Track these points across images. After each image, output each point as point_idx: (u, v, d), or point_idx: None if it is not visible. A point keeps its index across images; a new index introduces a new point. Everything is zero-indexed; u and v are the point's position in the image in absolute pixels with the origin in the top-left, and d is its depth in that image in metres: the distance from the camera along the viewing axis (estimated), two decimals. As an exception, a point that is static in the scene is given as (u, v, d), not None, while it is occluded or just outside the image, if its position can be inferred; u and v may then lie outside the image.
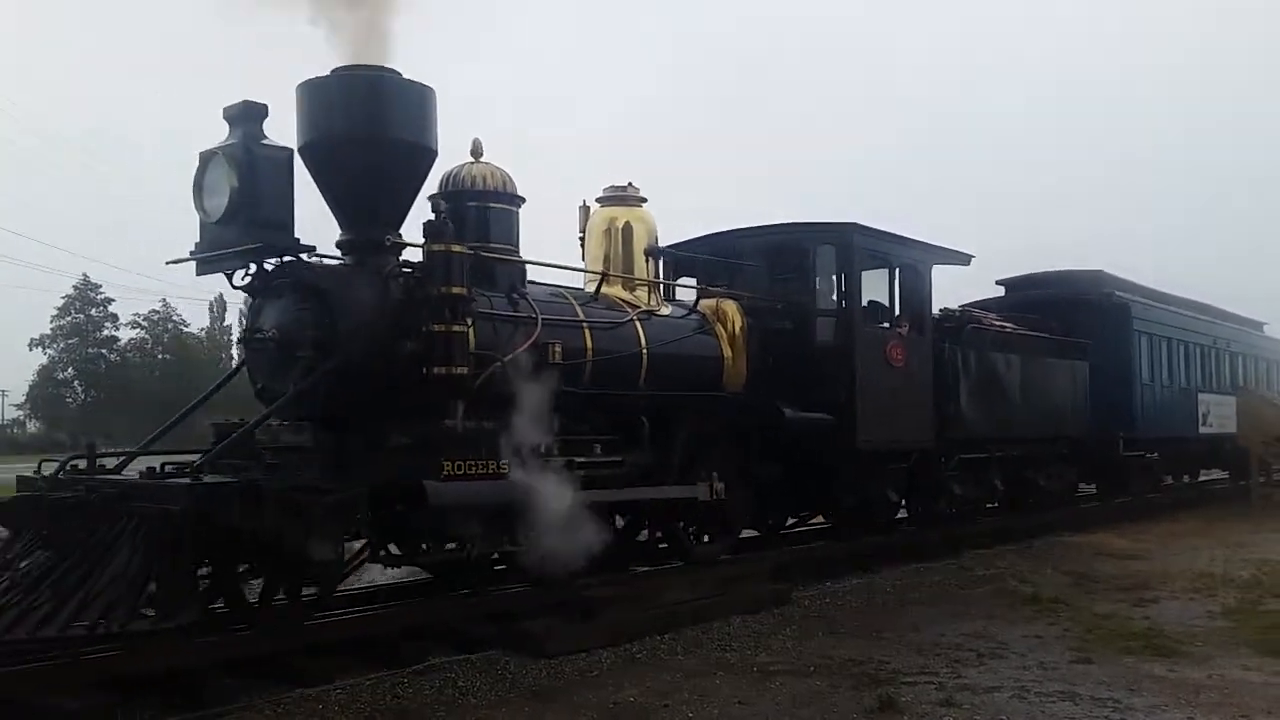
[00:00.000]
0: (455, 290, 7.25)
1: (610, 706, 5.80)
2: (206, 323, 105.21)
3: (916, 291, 12.12)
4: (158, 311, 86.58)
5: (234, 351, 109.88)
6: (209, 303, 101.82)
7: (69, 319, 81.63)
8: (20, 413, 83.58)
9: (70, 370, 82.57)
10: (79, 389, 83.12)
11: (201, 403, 8.46)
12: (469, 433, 7.23)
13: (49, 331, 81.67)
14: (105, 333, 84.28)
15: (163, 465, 6.76)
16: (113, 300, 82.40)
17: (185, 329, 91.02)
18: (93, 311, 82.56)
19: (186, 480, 6.18)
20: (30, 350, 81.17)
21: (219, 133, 7.10)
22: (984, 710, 5.66)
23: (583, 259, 9.94)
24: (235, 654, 6.48)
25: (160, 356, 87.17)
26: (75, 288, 79.24)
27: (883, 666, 6.66)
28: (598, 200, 10.12)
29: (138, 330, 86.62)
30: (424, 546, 7.31)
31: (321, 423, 7.10)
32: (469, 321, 7.38)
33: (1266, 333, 25.05)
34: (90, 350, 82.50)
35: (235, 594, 7.09)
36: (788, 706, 5.79)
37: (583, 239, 10.02)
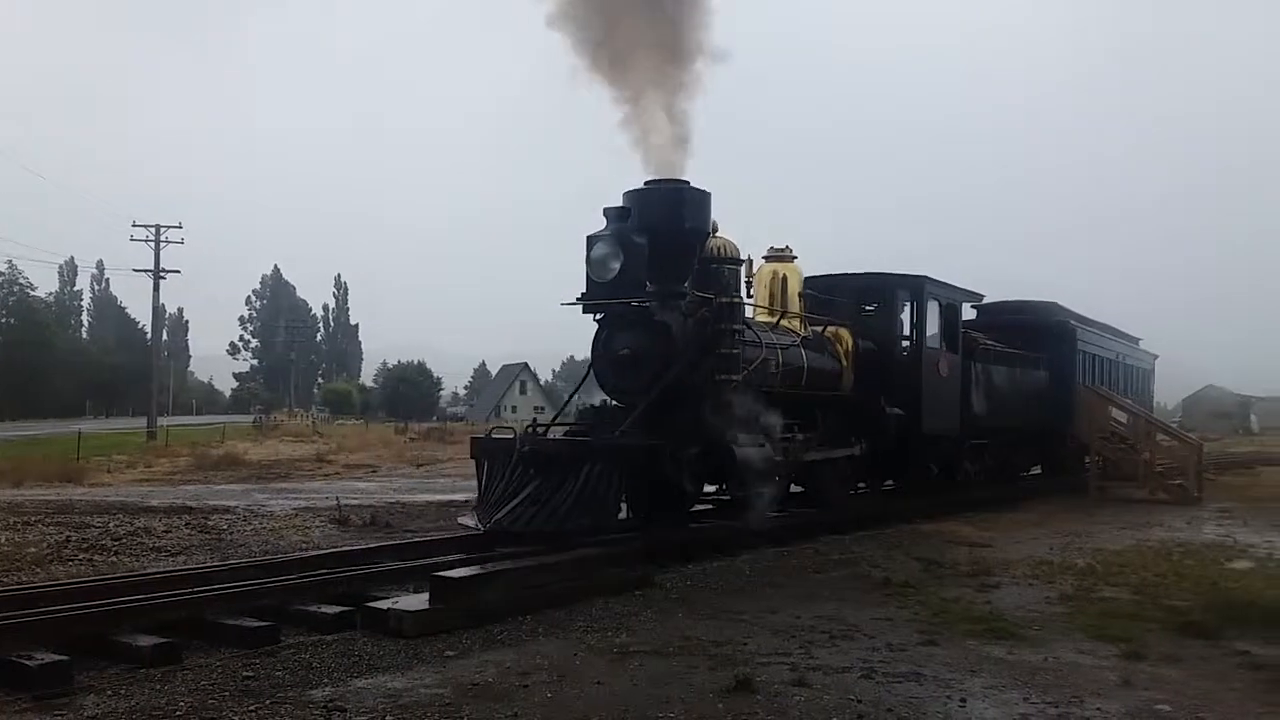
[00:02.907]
0: (735, 327, 11.50)
1: (469, 687, 5.76)
2: (56, 287, 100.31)
3: (953, 321, 16.75)
4: (2, 273, 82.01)
5: (84, 318, 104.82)
6: (59, 266, 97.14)
7: (-99, 277, 76.50)
8: None
9: (-99, 332, 77.41)
10: (-90, 352, 77.96)
11: (575, 393, 14.01)
12: (744, 417, 11.24)
13: (-123, 289, 76.39)
14: (-58, 293, 79.33)
15: (566, 432, 11.74)
16: (-48, 260, 77.56)
17: (32, 292, 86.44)
18: (-70, 270, 77.59)
19: (636, 442, 10.36)
20: None
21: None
22: (834, 690, 5.81)
23: (748, 295, 12.69)
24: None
25: (3, 320, 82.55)
26: (-91, 244, 74.19)
27: (739, 648, 6.80)
28: (763, 257, 13.99)
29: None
30: (723, 485, 12.02)
31: (661, 408, 10.87)
32: None
33: (1141, 347, 29.09)
34: (-74, 311, 77.51)
35: (638, 510, 11.38)
36: (645, 686, 5.84)
37: (749, 283, 12.62)
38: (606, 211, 11.16)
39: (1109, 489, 20.50)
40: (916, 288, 15.79)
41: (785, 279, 13.92)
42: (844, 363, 14.24)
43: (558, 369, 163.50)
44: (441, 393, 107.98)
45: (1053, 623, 7.84)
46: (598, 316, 11.47)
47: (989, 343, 18.41)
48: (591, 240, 11.09)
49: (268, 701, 5.42)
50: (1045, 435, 20.75)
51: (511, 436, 10.84)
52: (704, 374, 11.20)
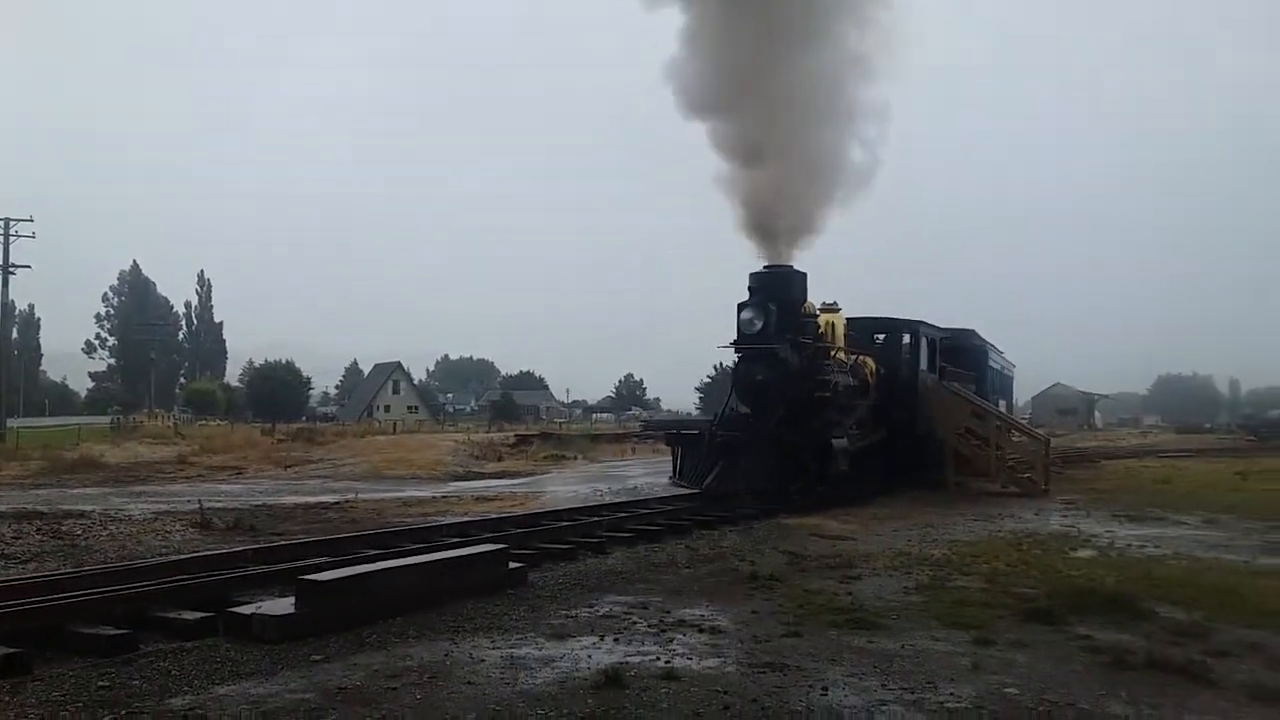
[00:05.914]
0: (826, 362, 17.81)
1: (335, 691, 5.69)
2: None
3: (934, 351, 22.75)
4: None
5: None
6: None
7: None
8: None
9: None
10: None
11: (726, 405, 18.53)
12: (835, 420, 17.54)
13: None
14: None
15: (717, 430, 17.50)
16: None
17: None
18: None
19: (792, 434, 16.36)
20: None
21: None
22: (701, 683, 5.94)
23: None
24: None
25: None
26: None
27: (610, 642, 6.86)
28: (818, 309, 18.54)
29: None
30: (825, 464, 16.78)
31: (785, 417, 16.66)
32: None
33: (1007, 357, 33.90)
34: None
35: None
36: (516, 684, 5.86)
37: None
38: (750, 288, 17.37)
39: (966, 483, 21.34)
40: (913, 328, 22.11)
41: (834, 324, 18.97)
42: (871, 381, 20.18)
43: (432, 368, 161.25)
44: (311, 392, 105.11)
45: (910, 612, 8.13)
46: (738, 355, 17.45)
47: (949, 366, 23.82)
48: (741, 306, 17.17)
49: (124, 712, 5.27)
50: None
51: (698, 431, 17.88)
52: (809, 393, 17.09)
